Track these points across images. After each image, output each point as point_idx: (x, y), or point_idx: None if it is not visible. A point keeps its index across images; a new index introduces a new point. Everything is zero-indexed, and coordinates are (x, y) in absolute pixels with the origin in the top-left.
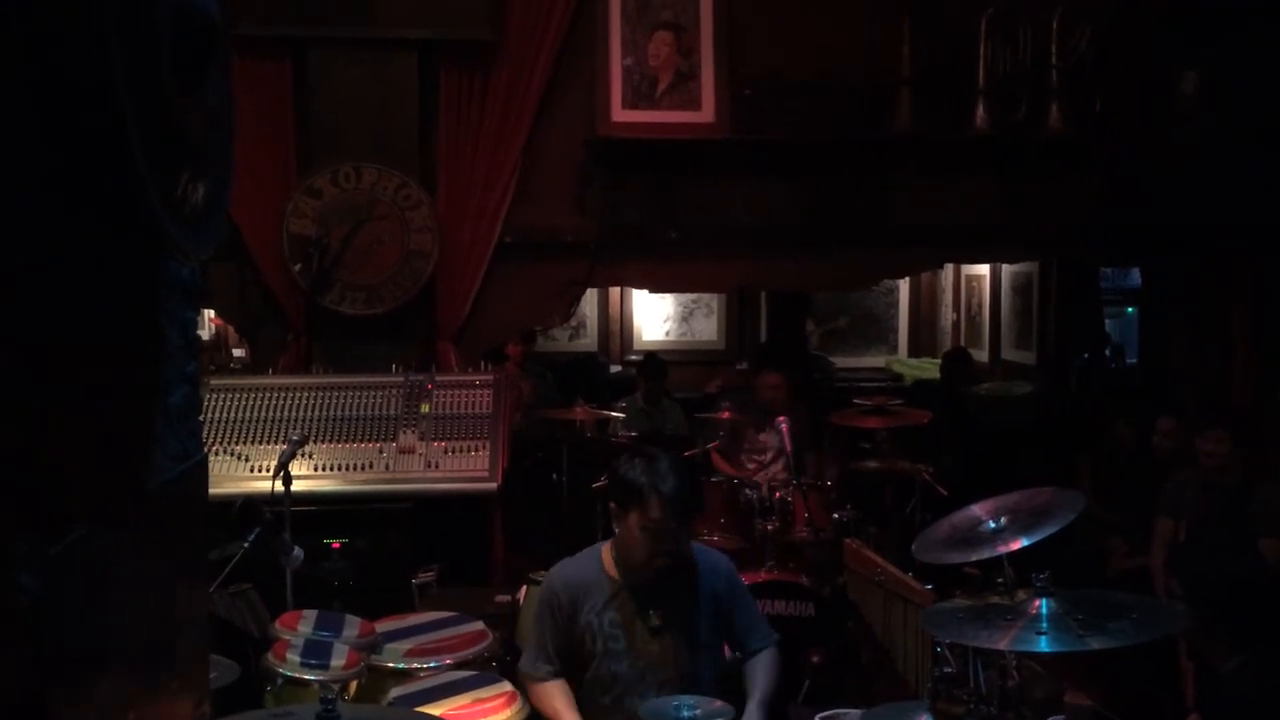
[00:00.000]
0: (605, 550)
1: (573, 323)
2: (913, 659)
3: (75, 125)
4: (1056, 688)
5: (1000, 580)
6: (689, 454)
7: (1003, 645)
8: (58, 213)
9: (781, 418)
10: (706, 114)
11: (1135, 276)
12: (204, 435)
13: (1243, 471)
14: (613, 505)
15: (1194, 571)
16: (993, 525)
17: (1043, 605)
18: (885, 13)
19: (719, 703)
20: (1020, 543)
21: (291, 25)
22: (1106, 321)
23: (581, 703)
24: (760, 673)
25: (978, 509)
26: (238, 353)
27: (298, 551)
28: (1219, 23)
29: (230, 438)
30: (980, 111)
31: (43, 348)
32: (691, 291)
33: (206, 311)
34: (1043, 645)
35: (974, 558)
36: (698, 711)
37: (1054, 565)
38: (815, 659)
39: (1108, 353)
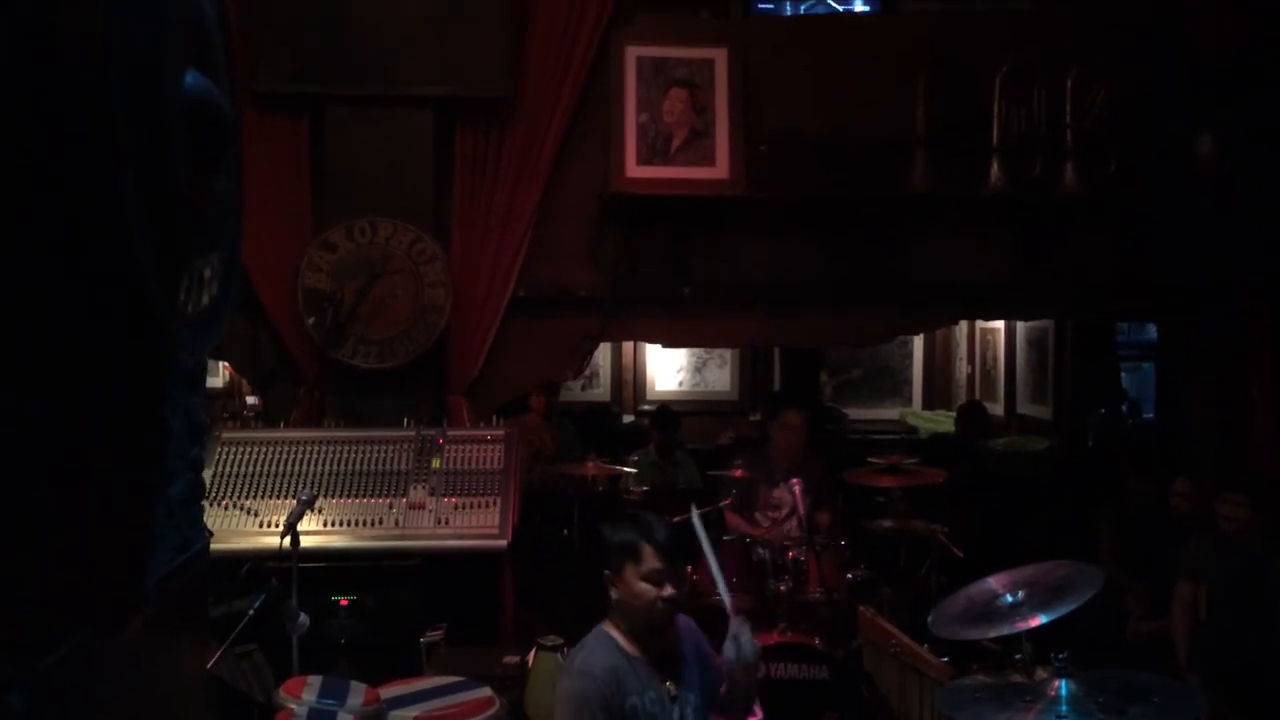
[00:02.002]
0: (611, 631)
1: (586, 373)
2: None
3: (80, 232)
4: None
5: (1018, 656)
6: (704, 511)
7: None
8: (54, 311)
9: (795, 480)
10: (721, 170)
11: (1152, 331)
12: (214, 489)
13: (1263, 535)
14: (607, 573)
15: (1209, 654)
16: (1010, 600)
17: (1062, 686)
18: (900, 71)
19: None
20: (1038, 619)
21: (309, 82)
22: (1123, 376)
23: None
24: None
25: (994, 582)
26: (251, 400)
27: (303, 619)
28: (1235, 85)
29: (240, 492)
30: (995, 170)
31: (33, 451)
32: (705, 346)
33: (221, 362)
34: None
35: (992, 634)
36: None
37: (1072, 627)
38: None
39: (1124, 408)
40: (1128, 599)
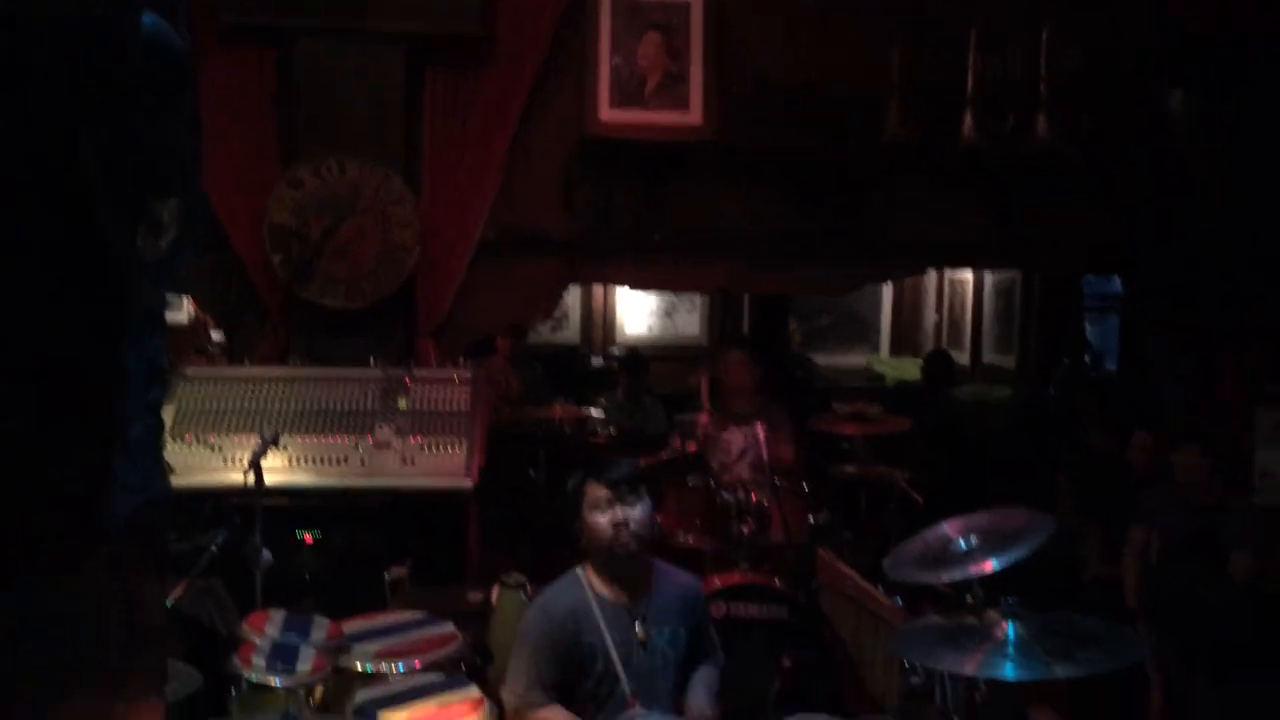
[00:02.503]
0: (586, 571)
1: (555, 315)
2: (881, 672)
3: (35, 171)
4: (1022, 702)
5: (969, 598)
6: (666, 456)
7: (969, 670)
8: (5, 250)
9: (759, 424)
10: (694, 116)
11: (1118, 284)
12: (178, 424)
13: (1218, 487)
14: (577, 524)
15: (1155, 596)
16: (964, 545)
17: (1010, 629)
18: (876, 22)
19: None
20: (991, 565)
21: (279, 15)
22: (1088, 328)
23: None
24: (705, 674)
25: (949, 528)
26: (216, 336)
27: (267, 555)
28: (1209, 44)
29: (204, 428)
30: (968, 123)
31: None
32: (676, 291)
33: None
34: (1009, 671)
35: (945, 578)
36: None
37: (1029, 571)
38: (787, 663)
39: (1087, 359)
40: (1084, 545)
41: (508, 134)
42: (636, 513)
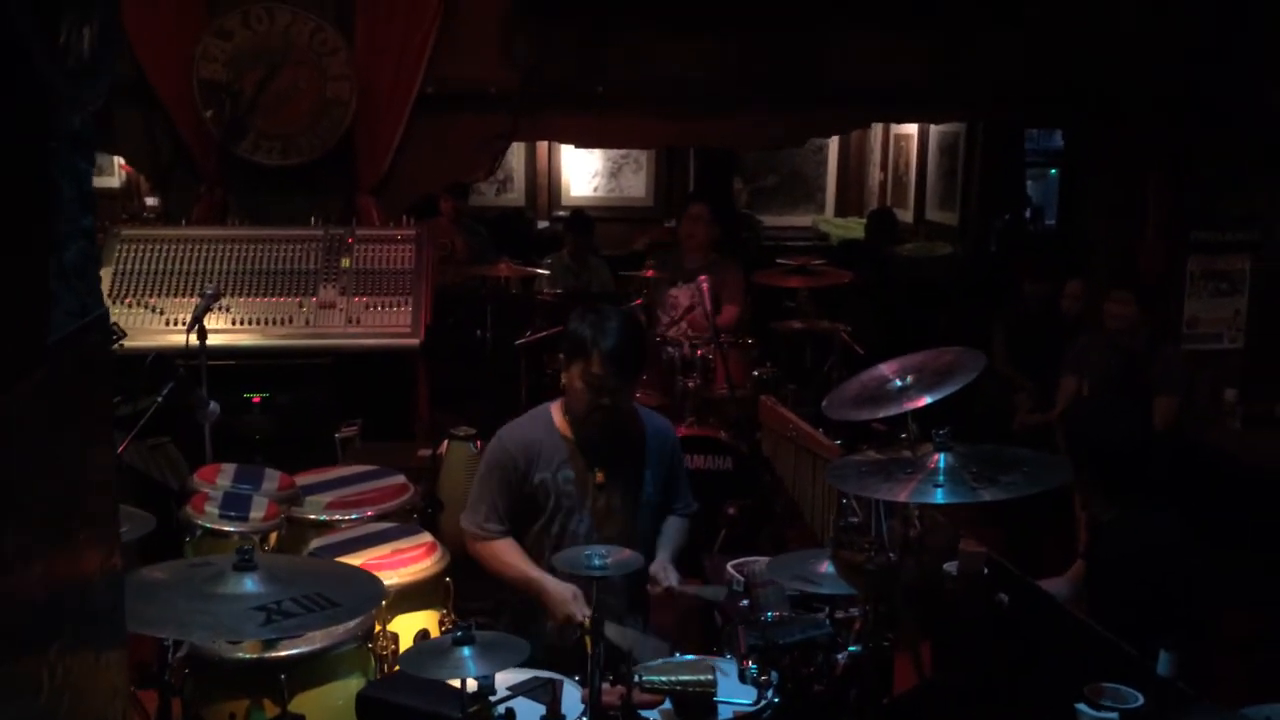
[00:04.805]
0: (555, 409)
1: (500, 176)
2: (820, 510)
3: None
4: (954, 536)
5: (904, 435)
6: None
7: (902, 497)
8: None
9: (702, 277)
10: None
11: (1059, 138)
12: (117, 287)
13: (1146, 334)
14: (561, 357)
15: (1077, 431)
16: (899, 384)
17: (941, 460)
18: None
19: (628, 552)
20: (924, 400)
21: None
22: (1029, 183)
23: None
24: (673, 532)
25: (885, 368)
26: (150, 201)
27: (213, 406)
28: None
29: (144, 290)
30: None
31: None
32: (619, 147)
33: (116, 158)
34: (939, 497)
35: (881, 415)
36: (608, 560)
37: (962, 421)
38: (731, 511)
39: (1027, 214)
40: (1017, 395)
41: None
42: (622, 397)
